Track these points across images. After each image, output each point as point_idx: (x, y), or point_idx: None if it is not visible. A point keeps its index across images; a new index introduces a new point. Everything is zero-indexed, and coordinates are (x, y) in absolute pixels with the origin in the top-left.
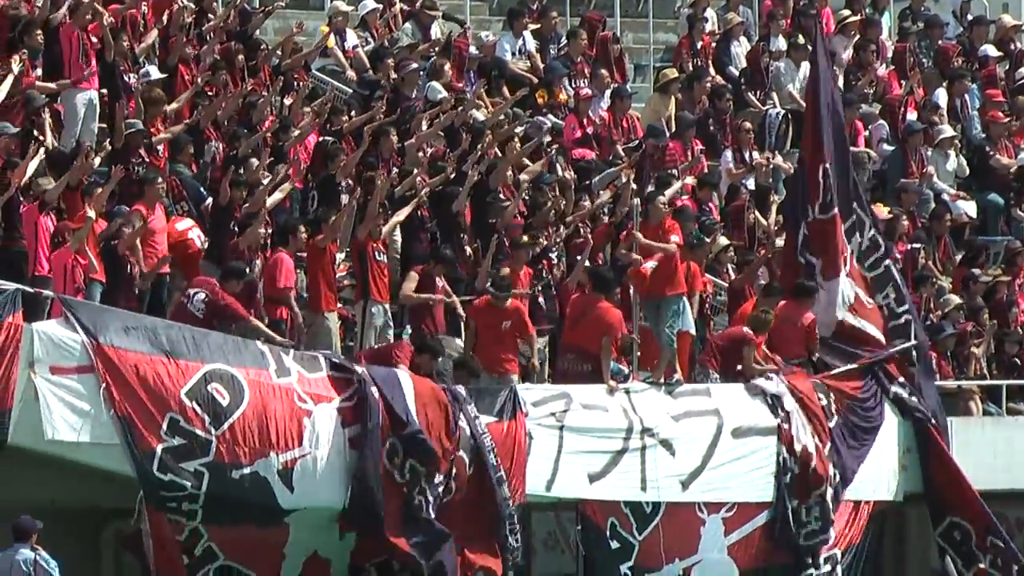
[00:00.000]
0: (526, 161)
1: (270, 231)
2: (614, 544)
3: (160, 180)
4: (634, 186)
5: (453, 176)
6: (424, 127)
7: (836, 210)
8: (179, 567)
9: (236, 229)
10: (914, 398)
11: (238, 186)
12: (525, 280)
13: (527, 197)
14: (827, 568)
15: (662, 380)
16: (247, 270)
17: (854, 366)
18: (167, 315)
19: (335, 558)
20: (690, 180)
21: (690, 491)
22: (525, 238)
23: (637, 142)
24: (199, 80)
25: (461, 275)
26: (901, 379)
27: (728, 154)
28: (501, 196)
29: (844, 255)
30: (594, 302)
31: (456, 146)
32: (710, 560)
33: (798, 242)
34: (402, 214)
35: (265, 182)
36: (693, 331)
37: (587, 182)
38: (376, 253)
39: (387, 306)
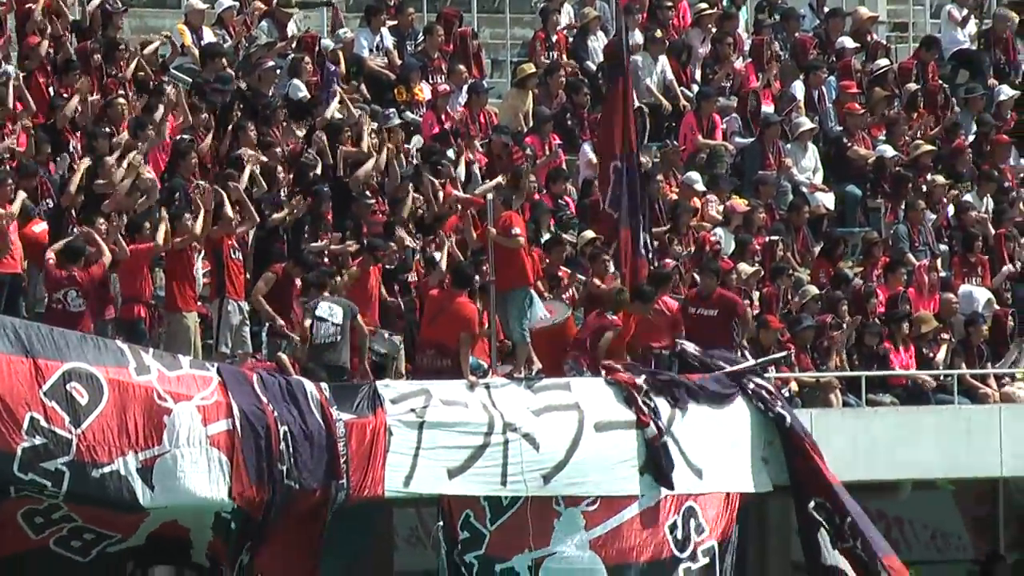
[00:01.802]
0: (383, 158)
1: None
2: (464, 534)
3: (10, 180)
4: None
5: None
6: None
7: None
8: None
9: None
10: (777, 406)
11: (80, 191)
12: (375, 279)
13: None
14: (705, 560)
15: (520, 373)
16: (85, 245)
17: (721, 372)
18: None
19: (195, 529)
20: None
21: (552, 485)
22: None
23: (487, 139)
24: (52, 81)
25: (314, 278)
26: (765, 391)
27: (587, 147)
28: (367, 194)
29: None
30: (452, 297)
31: (312, 144)
32: (566, 554)
33: (640, 238)
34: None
35: (120, 181)
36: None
37: (442, 181)
38: (232, 251)
39: (243, 304)
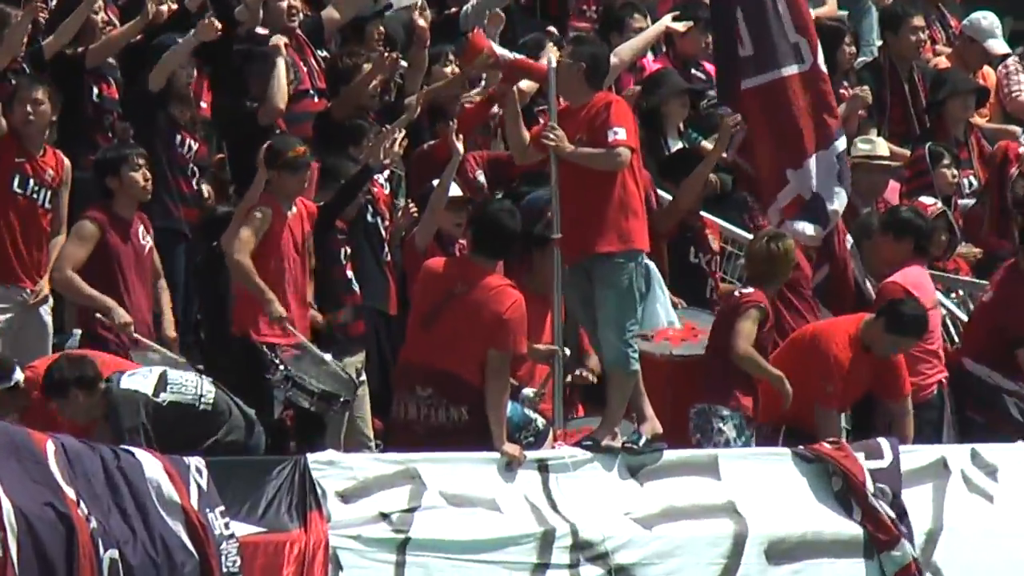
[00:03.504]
0: None
1: None
2: None
3: None
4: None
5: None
6: None
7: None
8: None
9: None
10: None
11: None
12: (298, 236)
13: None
14: None
15: (615, 440)
16: None
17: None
18: None
19: None
20: (668, 21)
21: None
22: (298, 149)
23: None
24: None
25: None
26: None
27: None
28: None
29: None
30: (473, 275)
31: None
32: None
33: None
34: None
35: None
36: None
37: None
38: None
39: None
